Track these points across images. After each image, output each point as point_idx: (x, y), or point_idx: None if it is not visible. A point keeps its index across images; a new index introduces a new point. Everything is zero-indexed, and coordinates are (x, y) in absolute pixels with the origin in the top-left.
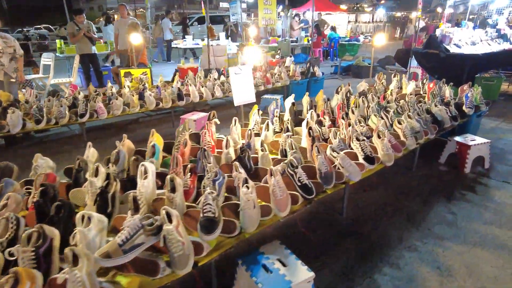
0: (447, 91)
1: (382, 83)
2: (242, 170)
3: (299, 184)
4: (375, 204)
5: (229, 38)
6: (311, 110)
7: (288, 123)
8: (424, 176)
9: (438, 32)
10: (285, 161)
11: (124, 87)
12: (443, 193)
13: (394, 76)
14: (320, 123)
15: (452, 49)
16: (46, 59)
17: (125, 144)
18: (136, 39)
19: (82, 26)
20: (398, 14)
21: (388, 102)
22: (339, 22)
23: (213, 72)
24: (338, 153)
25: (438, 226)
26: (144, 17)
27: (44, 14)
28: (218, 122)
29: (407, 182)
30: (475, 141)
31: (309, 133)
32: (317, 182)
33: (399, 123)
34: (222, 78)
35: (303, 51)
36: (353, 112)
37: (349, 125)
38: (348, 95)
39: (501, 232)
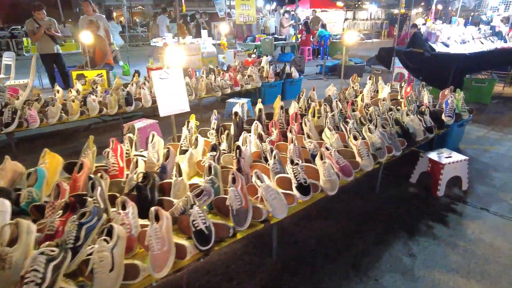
0: (426, 96)
1: (354, 86)
2: (122, 211)
3: (193, 229)
4: (317, 239)
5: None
6: (255, 122)
7: (225, 137)
8: (388, 200)
9: (423, 29)
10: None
11: (71, 91)
12: (406, 225)
13: (370, 79)
14: (261, 137)
15: (439, 47)
16: (7, 58)
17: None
18: (86, 37)
19: (42, 23)
20: (397, 11)
21: (353, 110)
22: (335, 19)
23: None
24: (262, 182)
25: (390, 275)
26: (143, 15)
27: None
28: (134, 138)
29: (366, 207)
30: (451, 158)
31: (236, 153)
32: (221, 224)
33: (355, 138)
34: (187, 79)
35: (293, 50)
36: (305, 124)
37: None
38: (309, 101)
39: (467, 285)
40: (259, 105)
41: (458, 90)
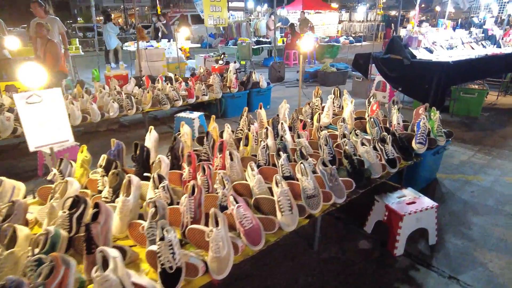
0: (394, 117)
1: (315, 101)
2: None
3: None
4: None
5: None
6: (159, 156)
7: (108, 180)
8: (326, 263)
9: (403, 33)
10: None
11: None
12: None
13: (333, 93)
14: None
15: (421, 54)
16: None
17: None
18: (12, 43)
19: None
20: (393, 12)
21: (298, 136)
22: (329, 21)
23: (112, 82)
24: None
25: None
26: (140, 17)
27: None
28: None
29: (295, 274)
30: (414, 205)
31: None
32: None
33: (276, 184)
34: (135, 89)
35: (280, 54)
36: (231, 158)
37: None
38: (248, 123)
39: None
40: (213, 123)
41: (433, 109)
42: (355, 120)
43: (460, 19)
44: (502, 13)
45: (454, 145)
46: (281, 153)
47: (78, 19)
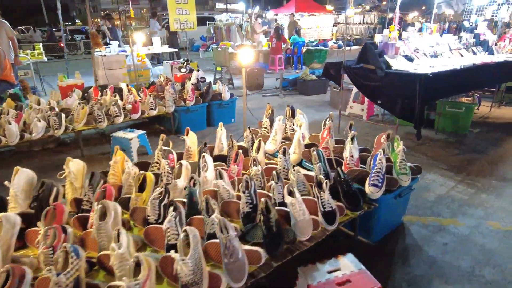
0: (347, 148)
1: (264, 122)
2: None
3: None
4: None
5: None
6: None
7: None
8: None
9: (378, 39)
10: None
11: None
12: None
13: (286, 113)
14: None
15: (398, 63)
16: None
17: None
18: None
19: None
20: (391, 15)
21: (221, 176)
22: (324, 24)
23: (53, 95)
24: None
25: None
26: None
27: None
28: None
29: None
30: (348, 285)
31: None
32: None
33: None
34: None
35: (265, 58)
36: (102, 216)
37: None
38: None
39: None
40: (160, 146)
41: (397, 138)
42: (305, 147)
43: (448, 23)
44: (495, 16)
45: (434, 172)
46: (171, 209)
47: (76, 21)
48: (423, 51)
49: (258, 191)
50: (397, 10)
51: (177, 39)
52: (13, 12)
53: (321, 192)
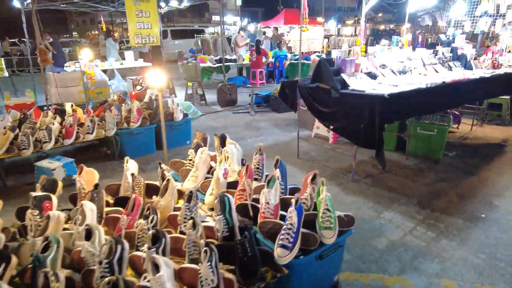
0: (262, 193)
1: (190, 154)
2: None
3: None
4: None
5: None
6: None
7: None
8: None
9: (335, 54)
10: None
11: None
12: None
13: (216, 146)
14: None
15: (358, 82)
16: None
17: None
18: None
19: None
20: (383, 27)
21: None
22: (314, 36)
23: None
24: None
25: None
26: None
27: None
28: None
29: None
30: None
31: None
32: None
33: None
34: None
35: (247, 72)
36: None
37: None
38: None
39: None
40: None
41: (322, 182)
42: (227, 187)
43: (420, 36)
44: (474, 29)
45: (392, 209)
46: None
47: (74, 33)
48: (390, 67)
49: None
50: (362, 22)
51: (161, 52)
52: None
53: (200, 264)
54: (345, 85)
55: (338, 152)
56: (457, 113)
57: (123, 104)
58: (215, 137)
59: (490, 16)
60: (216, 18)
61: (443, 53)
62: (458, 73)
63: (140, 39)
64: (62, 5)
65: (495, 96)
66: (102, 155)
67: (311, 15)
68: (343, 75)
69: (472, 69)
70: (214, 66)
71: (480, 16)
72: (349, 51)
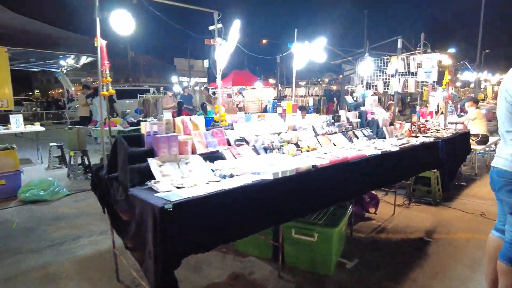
0: None
1: None
2: None
3: None
4: None
5: None
6: None
7: None
8: None
9: (148, 128)
10: None
11: None
12: None
13: None
14: None
15: (174, 174)
16: None
17: None
18: None
19: None
20: (335, 87)
21: None
22: (266, 97)
23: None
24: None
25: None
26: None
27: None
28: None
29: None
30: None
31: None
32: None
33: None
34: None
35: None
36: None
37: None
38: None
39: None
40: None
41: None
42: None
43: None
44: (387, 90)
45: None
46: None
47: (36, 91)
48: (255, 140)
49: None
50: (217, 81)
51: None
52: None
53: None
54: (141, 179)
55: None
56: (374, 193)
57: None
58: None
59: (402, 75)
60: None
61: (348, 119)
62: (355, 149)
63: None
64: None
65: (407, 178)
66: None
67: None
68: (152, 161)
69: (385, 137)
70: (125, 130)
71: (393, 75)
72: None
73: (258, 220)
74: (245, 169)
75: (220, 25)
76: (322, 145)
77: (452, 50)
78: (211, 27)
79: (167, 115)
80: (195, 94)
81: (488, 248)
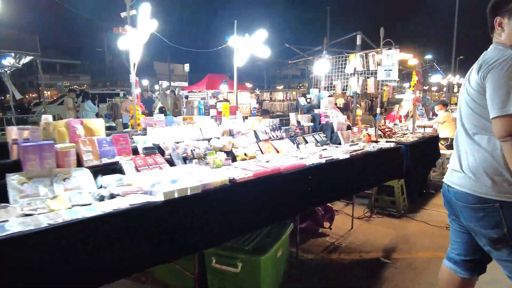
0: None
1: None
2: None
3: None
4: None
5: None
6: None
7: None
8: None
9: (12, 135)
10: None
11: None
12: None
13: None
14: None
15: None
16: None
17: None
18: None
19: None
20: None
21: None
22: (243, 101)
23: None
24: None
25: None
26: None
27: None
28: None
29: None
30: None
31: None
32: None
33: None
34: None
35: None
36: None
37: None
38: None
39: None
40: None
41: None
42: None
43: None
44: (345, 91)
45: None
46: None
47: (7, 95)
48: (172, 148)
49: None
50: (134, 90)
51: None
52: None
53: None
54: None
55: None
56: (329, 205)
57: None
58: None
59: (361, 74)
60: (163, 82)
61: (298, 123)
62: (296, 157)
63: None
64: None
65: (361, 190)
66: None
67: (241, 80)
68: (12, 177)
69: (340, 143)
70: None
71: (353, 74)
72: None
73: (131, 260)
74: (142, 186)
75: (133, 12)
76: (264, 153)
77: (429, 56)
78: (123, 14)
79: (48, 117)
80: (166, 98)
81: (441, 283)
